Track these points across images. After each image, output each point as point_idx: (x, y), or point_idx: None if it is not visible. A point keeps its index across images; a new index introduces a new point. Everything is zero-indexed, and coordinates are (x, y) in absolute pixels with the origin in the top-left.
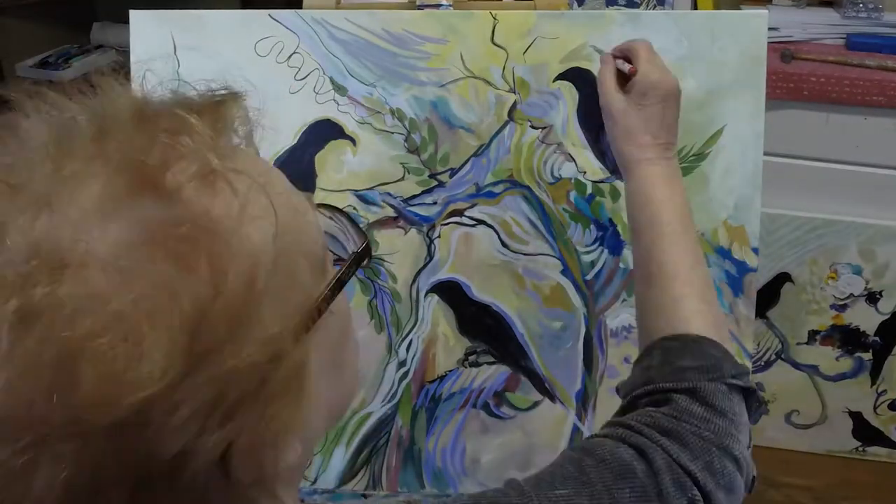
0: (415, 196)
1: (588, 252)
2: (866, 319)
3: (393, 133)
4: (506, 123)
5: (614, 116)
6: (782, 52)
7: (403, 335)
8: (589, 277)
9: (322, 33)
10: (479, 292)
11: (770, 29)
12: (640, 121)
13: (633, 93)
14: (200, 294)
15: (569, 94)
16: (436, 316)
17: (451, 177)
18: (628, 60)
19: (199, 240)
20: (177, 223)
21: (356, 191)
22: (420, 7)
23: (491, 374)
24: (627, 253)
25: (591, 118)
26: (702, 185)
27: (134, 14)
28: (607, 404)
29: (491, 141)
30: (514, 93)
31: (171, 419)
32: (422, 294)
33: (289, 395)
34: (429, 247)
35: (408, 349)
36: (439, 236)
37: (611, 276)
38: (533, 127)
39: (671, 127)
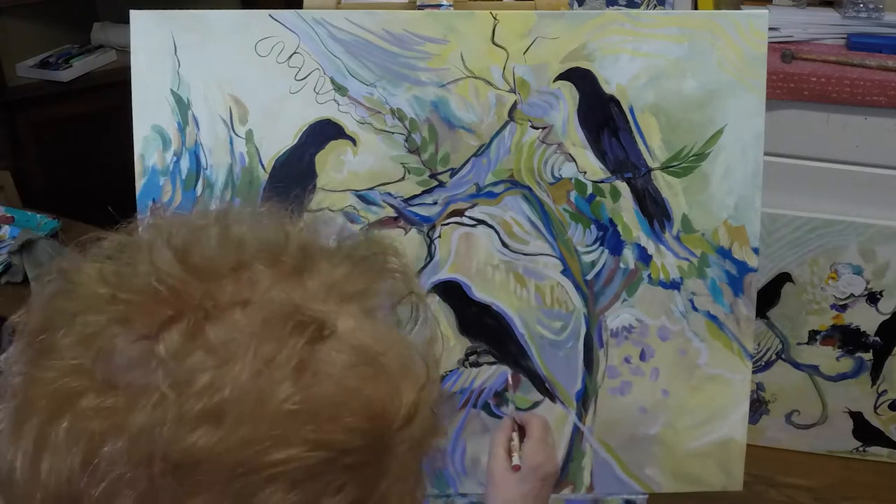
0: (415, 196)
1: (588, 252)
2: (867, 319)
3: (393, 133)
4: (506, 123)
5: (496, 483)
6: (783, 52)
7: None
8: (589, 277)
9: (322, 33)
10: (479, 292)
11: (770, 29)
12: (517, 495)
13: (521, 467)
14: (402, 400)
15: (569, 94)
16: (436, 316)
17: (451, 177)
18: (523, 431)
19: (413, 363)
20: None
21: (356, 191)
22: (420, 7)
23: (491, 374)
24: (628, 253)
25: (592, 118)
26: (702, 185)
27: (134, 14)
28: (608, 404)
29: (491, 141)
30: (515, 93)
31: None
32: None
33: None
34: (429, 247)
35: None
36: (440, 236)
37: (611, 276)
38: (533, 127)
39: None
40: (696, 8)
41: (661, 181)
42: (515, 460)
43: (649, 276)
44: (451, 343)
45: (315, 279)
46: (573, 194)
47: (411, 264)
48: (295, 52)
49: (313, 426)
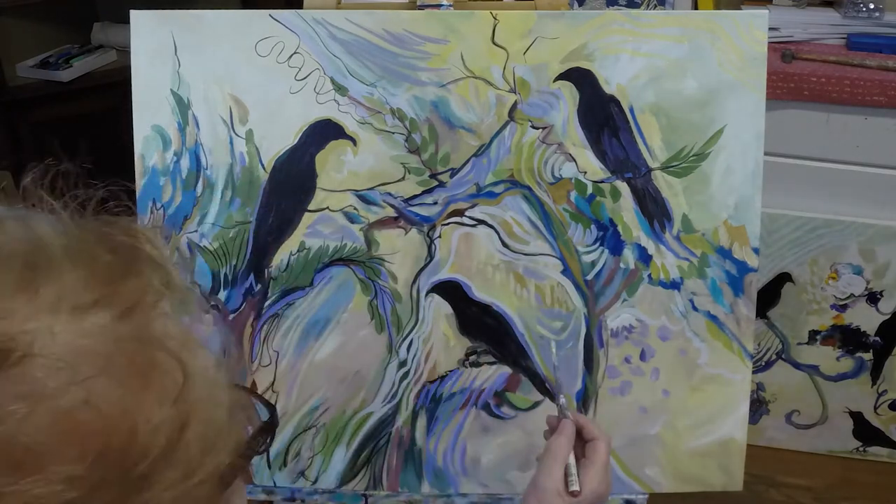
0: (415, 196)
1: (588, 252)
2: (867, 319)
3: (393, 133)
4: (506, 123)
5: (548, 500)
6: (783, 52)
7: (404, 335)
8: (589, 277)
9: (322, 33)
10: (479, 292)
11: (770, 29)
12: None
13: (579, 494)
14: (147, 418)
15: (569, 94)
16: (436, 316)
17: (451, 177)
18: (582, 438)
19: (157, 367)
20: (140, 344)
21: (356, 191)
22: (420, 7)
23: (491, 374)
24: (628, 253)
25: (592, 118)
26: (702, 185)
27: (134, 14)
28: (608, 404)
29: (491, 141)
30: (515, 93)
31: None
32: (422, 294)
33: None
34: (429, 247)
35: (408, 349)
36: (440, 236)
37: (611, 276)
38: (533, 127)
39: None
40: (696, 8)
41: (662, 181)
42: (574, 485)
43: (649, 276)
44: (451, 343)
45: (19, 294)
46: (573, 194)
47: (165, 249)
48: (295, 52)
49: (5, 482)
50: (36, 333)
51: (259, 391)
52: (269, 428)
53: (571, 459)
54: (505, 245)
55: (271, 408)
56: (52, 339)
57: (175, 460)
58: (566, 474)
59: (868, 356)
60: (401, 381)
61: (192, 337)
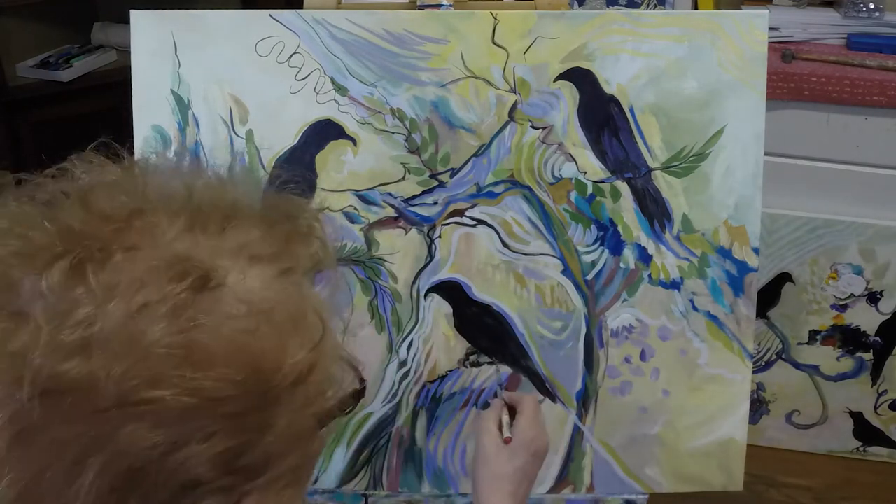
0: (415, 196)
1: (589, 252)
2: (867, 319)
3: (393, 133)
4: (506, 123)
5: (487, 458)
6: (783, 52)
7: (404, 335)
8: (589, 277)
9: (322, 33)
10: (479, 292)
11: (770, 29)
12: (509, 469)
13: (511, 443)
14: (291, 355)
15: (569, 94)
16: (436, 316)
17: (451, 177)
18: (513, 409)
19: (305, 319)
20: (297, 299)
21: (357, 191)
22: (420, 7)
23: (491, 374)
24: (628, 253)
25: (592, 118)
26: (702, 185)
27: (135, 14)
28: (608, 404)
29: (491, 141)
30: (515, 93)
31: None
32: (422, 294)
33: (297, 486)
34: (429, 247)
35: (408, 349)
36: (440, 236)
37: (611, 276)
38: (533, 127)
39: (531, 481)
40: (696, 8)
41: (662, 181)
42: (507, 433)
43: (649, 276)
44: (452, 343)
45: (218, 236)
46: (573, 194)
47: (328, 231)
48: (295, 52)
49: (184, 371)
50: (228, 271)
51: None
52: (358, 394)
53: (505, 417)
54: (505, 245)
55: (363, 381)
56: (242, 281)
57: (299, 392)
58: (501, 430)
59: (868, 356)
60: (401, 381)
61: (329, 304)
